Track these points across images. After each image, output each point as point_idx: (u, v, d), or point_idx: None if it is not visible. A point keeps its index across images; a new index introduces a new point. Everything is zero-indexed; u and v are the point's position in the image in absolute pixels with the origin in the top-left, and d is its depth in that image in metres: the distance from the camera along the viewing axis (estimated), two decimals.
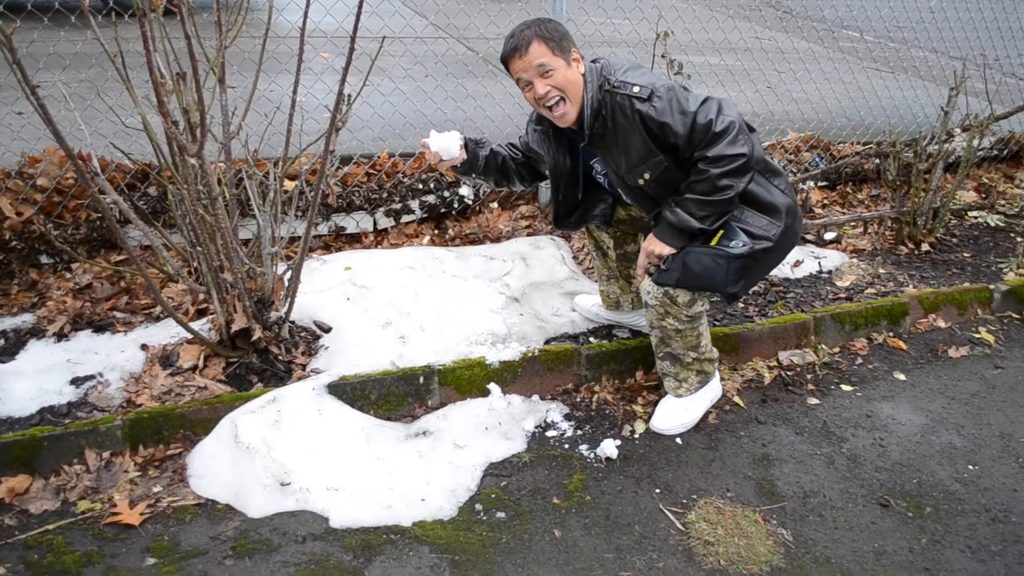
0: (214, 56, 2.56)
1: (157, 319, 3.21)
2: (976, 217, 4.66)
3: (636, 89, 2.53)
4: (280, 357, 2.96)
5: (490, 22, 4.88)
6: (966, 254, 4.27)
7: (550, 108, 2.62)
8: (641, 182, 2.65)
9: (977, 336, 3.68)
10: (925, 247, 4.23)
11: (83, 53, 3.75)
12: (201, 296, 3.12)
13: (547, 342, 3.19)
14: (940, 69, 7.20)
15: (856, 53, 8.36)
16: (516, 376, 2.98)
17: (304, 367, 2.96)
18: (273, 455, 2.51)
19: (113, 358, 2.94)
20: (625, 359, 3.12)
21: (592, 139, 2.65)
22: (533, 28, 2.54)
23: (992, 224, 4.62)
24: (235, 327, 2.81)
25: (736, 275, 2.63)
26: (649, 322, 2.86)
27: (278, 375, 2.90)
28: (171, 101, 2.42)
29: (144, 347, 2.99)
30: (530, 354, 3.01)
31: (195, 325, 3.10)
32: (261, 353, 2.93)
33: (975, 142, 4.15)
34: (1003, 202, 4.95)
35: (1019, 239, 4.47)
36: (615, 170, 2.70)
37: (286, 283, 2.95)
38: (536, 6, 4.69)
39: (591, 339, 3.24)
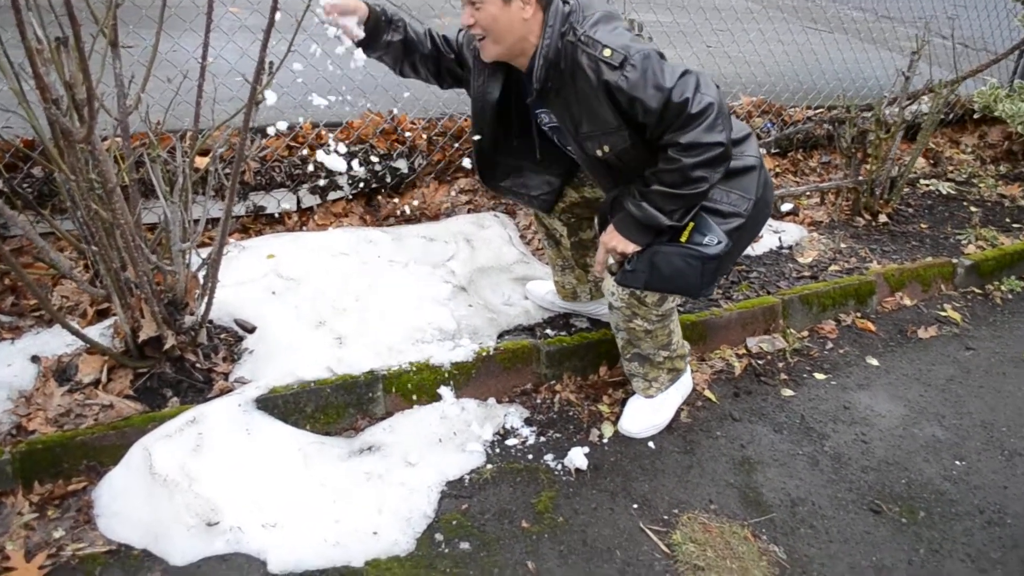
0: (104, 14, 2.12)
1: (51, 322, 2.75)
2: (928, 185, 4.52)
3: (607, 52, 2.14)
4: (198, 365, 2.56)
5: None
6: (923, 225, 4.12)
7: (474, 38, 2.30)
8: (599, 153, 2.32)
9: (943, 314, 3.53)
10: (883, 218, 4.06)
11: None
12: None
13: (500, 336, 2.87)
14: (869, 29, 7.07)
15: (790, 10, 8.17)
16: (470, 378, 2.66)
17: (227, 376, 2.57)
18: (196, 488, 2.13)
19: None
20: (587, 354, 2.83)
21: (543, 94, 2.29)
22: None
23: (944, 192, 4.48)
24: (143, 335, 2.40)
25: (711, 276, 2.34)
26: (614, 324, 2.57)
27: (196, 386, 2.51)
28: (51, 72, 1.98)
29: (36, 359, 2.54)
30: (484, 353, 2.69)
31: (95, 330, 2.67)
32: (175, 361, 2.53)
33: (936, 108, 3.97)
34: (951, 168, 4.82)
35: (972, 208, 4.34)
36: (571, 131, 2.35)
37: (201, 280, 2.54)
38: None
39: (548, 331, 2.94)
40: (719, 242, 2.29)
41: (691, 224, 2.30)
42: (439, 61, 2.59)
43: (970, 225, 4.11)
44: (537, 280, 3.13)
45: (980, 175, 4.75)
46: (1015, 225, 4.20)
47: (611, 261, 2.41)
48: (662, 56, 2.19)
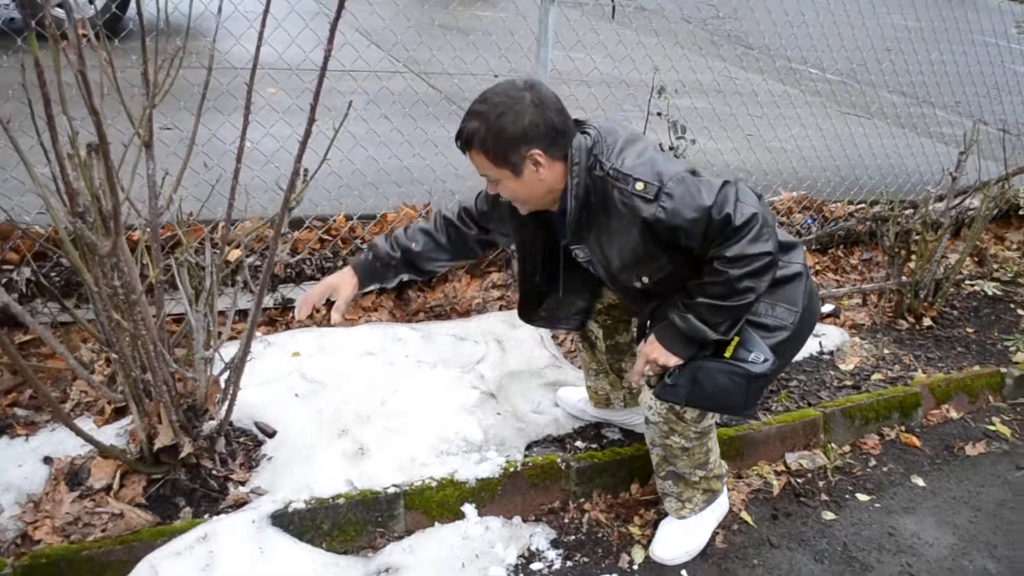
0: (140, 115, 2.09)
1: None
2: (973, 285, 4.38)
3: (639, 186, 2.05)
4: (214, 472, 2.47)
5: (455, 55, 4.47)
6: (969, 329, 3.97)
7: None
8: (638, 285, 2.24)
9: (992, 428, 3.37)
10: (927, 321, 3.92)
11: None
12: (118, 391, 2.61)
13: (528, 447, 2.76)
14: (909, 114, 7.00)
15: (825, 95, 8.14)
16: (495, 495, 2.54)
17: (243, 484, 2.48)
18: None
19: (9, 474, 2.42)
20: (619, 470, 2.71)
21: (578, 234, 2.23)
22: (476, 126, 2.06)
23: (990, 293, 4.33)
24: (159, 443, 2.32)
25: (756, 394, 2.23)
26: (650, 439, 2.45)
27: (211, 496, 2.42)
28: (79, 179, 1.94)
29: (48, 460, 2.47)
30: (511, 468, 2.57)
31: (112, 429, 2.60)
32: (191, 468, 2.44)
33: (986, 207, 3.85)
34: (996, 266, 4.68)
35: (1020, 311, 4.19)
36: (605, 266, 2.28)
37: (222, 384, 2.47)
38: (505, 39, 4.28)
39: (579, 443, 2.82)
40: (765, 360, 2.18)
41: (736, 339, 2.19)
42: (463, 242, 2.56)
43: (1018, 330, 3.95)
44: (568, 387, 3.02)
45: None
46: None
47: (650, 373, 2.31)
48: (695, 173, 2.11)
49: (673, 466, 2.45)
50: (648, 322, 2.36)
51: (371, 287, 2.57)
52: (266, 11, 2.17)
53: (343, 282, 2.50)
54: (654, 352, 2.23)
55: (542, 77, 3.44)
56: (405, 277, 2.60)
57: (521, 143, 2.05)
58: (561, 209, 2.20)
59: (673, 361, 2.21)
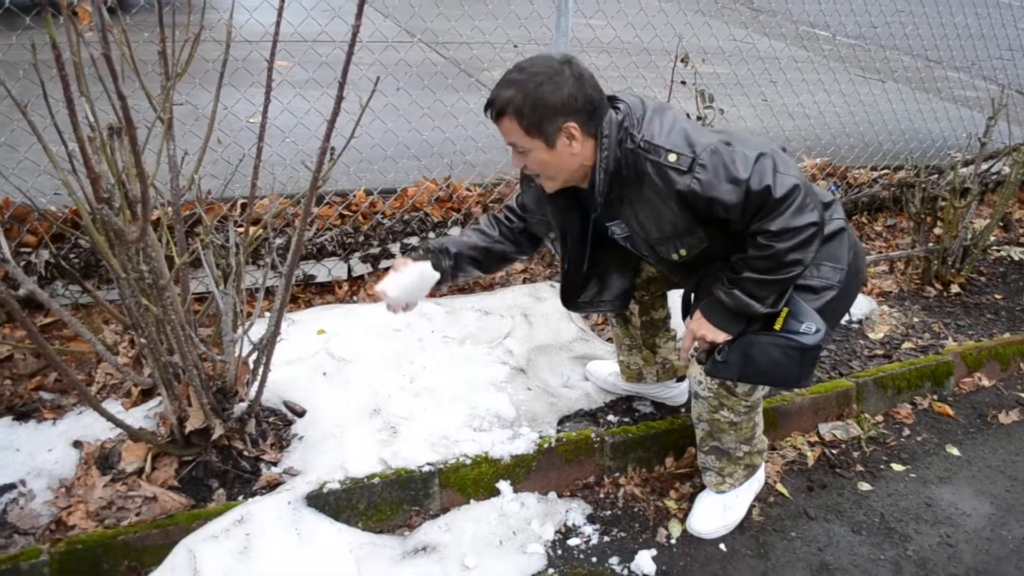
0: (158, 93, 2.03)
1: None
2: (999, 251, 4.32)
3: (672, 157, 1.99)
4: (245, 453, 2.44)
5: (474, 26, 4.37)
6: (997, 296, 3.92)
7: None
8: (675, 257, 2.18)
9: None
10: (955, 288, 3.86)
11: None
12: (146, 375, 2.58)
13: (561, 422, 2.73)
14: (922, 78, 6.87)
15: (837, 57, 8.01)
16: (530, 471, 2.51)
17: (275, 464, 2.45)
18: None
19: (39, 459, 2.39)
20: (653, 444, 2.67)
21: (608, 205, 2.17)
22: (512, 94, 2.00)
23: (1016, 258, 4.27)
24: (190, 426, 2.29)
25: (810, 366, 2.18)
26: (696, 414, 2.41)
27: (243, 477, 2.39)
28: (102, 162, 1.89)
29: (77, 444, 2.44)
30: (545, 444, 2.54)
31: (140, 411, 2.57)
32: (222, 450, 2.41)
33: (1016, 172, 3.78)
34: (1022, 230, 4.61)
35: None
36: (643, 237, 2.21)
37: (251, 366, 2.43)
38: (524, 8, 4.17)
39: (611, 416, 2.78)
40: (817, 330, 2.12)
41: (785, 309, 2.13)
42: (516, 238, 2.52)
43: None
44: (597, 360, 2.98)
45: None
46: None
47: (699, 349, 2.26)
48: (729, 144, 2.02)
49: (718, 441, 2.41)
50: (692, 297, 2.31)
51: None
52: None
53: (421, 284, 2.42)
54: (702, 329, 2.18)
55: (561, 46, 3.37)
56: (466, 276, 2.53)
57: (559, 114, 2.00)
58: (590, 183, 2.14)
59: (722, 337, 2.16)
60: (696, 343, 2.23)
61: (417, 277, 2.34)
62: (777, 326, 2.14)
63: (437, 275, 2.38)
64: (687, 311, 2.33)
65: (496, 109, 2.05)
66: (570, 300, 2.57)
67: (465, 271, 2.48)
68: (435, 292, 2.78)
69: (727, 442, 2.40)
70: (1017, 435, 3.11)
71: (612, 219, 2.28)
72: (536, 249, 2.63)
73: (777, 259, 2.01)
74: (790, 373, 2.16)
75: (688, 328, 2.25)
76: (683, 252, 2.15)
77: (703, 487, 2.59)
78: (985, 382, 3.36)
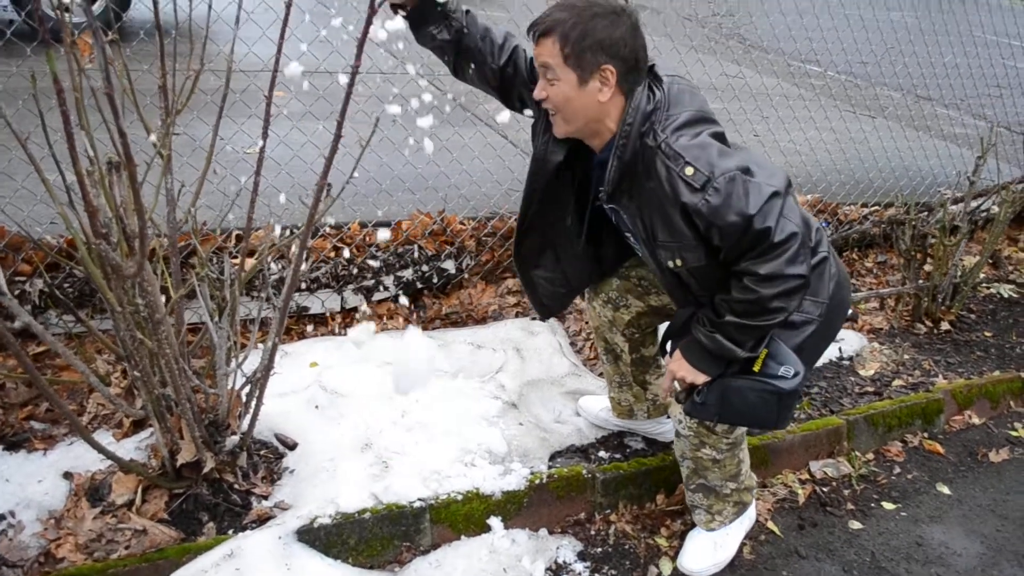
0: (159, 132, 2.05)
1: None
2: (989, 288, 4.35)
3: (689, 171, 1.94)
4: (236, 486, 2.44)
5: None
6: (987, 333, 3.94)
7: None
8: (671, 265, 2.11)
9: (1015, 434, 3.34)
10: (945, 326, 3.89)
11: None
12: (139, 407, 2.57)
13: (552, 457, 2.73)
14: (911, 113, 6.94)
15: (828, 93, 8.11)
16: (521, 507, 2.51)
17: (266, 498, 2.44)
18: None
19: (28, 490, 2.38)
20: (644, 481, 2.67)
21: (615, 197, 2.12)
22: (565, 16, 1.95)
23: (1006, 295, 4.31)
24: (181, 459, 2.28)
25: (788, 409, 2.18)
26: (680, 452, 2.42)
27: (234, 510, 2.38)
28: (100, 196, 1.90)
29: (67, 475, 2.43)
30: (536, 480, 2.54)
31: (131, 442, 2.56)
32: (213, 483, 2.41)
33: (1005, 210, 3.82)
34: (1011, 267, 4.65)
35: None
36: (645, 236, 2.13)
37: (243, 398, 2.43)
38: (521, 41, 4.21)
39: (602, 452, 2.78)
40: (796, 373, 2.11)
41: (764, 351, 2.13)
42: (511, 81, 2.33)
43: None
44: (589, 396, 2.98)
45: None
46: None
47: (678, 389, 2.27)
48: (749, 172, 1.96)
49: (704, 479, 2.42)
50: (670, 339, 2.30)
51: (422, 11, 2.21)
52: (285, 21, 2.14)
53: None
54: (681, 370, 2.18)
55: None
56: (435, 51, 2.32)
57: (603, 52, 1.95)
58: (600, 161, 2.10)
59: (701, 379, 2.15)
60: (676, 383, 2.24)
61: None
62: (756, 367, 2.13)
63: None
64: (665, 349, 2.33)
65: (543, 28, 1.98)
66: (519, 257, 2.52)
67: (436, 34, 2.24)
68: (415, 315, 2.76)
69: (712, 479, 2.40)
70: (1007, 474, 3.12)
71: (614, 203, 2.19)
72: (508, 104, 2.42)
73: (760, 304, 2.00)
74: (767, 416, 2.15)
75: (668, 368, 2.25)
76: (678, 262, 2.09)
77: (694, 525, 2.59)
78: (975, 420, 3.38)
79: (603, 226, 2.41)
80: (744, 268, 1.99)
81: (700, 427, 2.29)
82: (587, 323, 3.42)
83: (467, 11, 2.27)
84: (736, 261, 2.00)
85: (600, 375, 3.17)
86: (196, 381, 2.24)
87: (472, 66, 2.32)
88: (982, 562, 2.66)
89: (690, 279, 2.14)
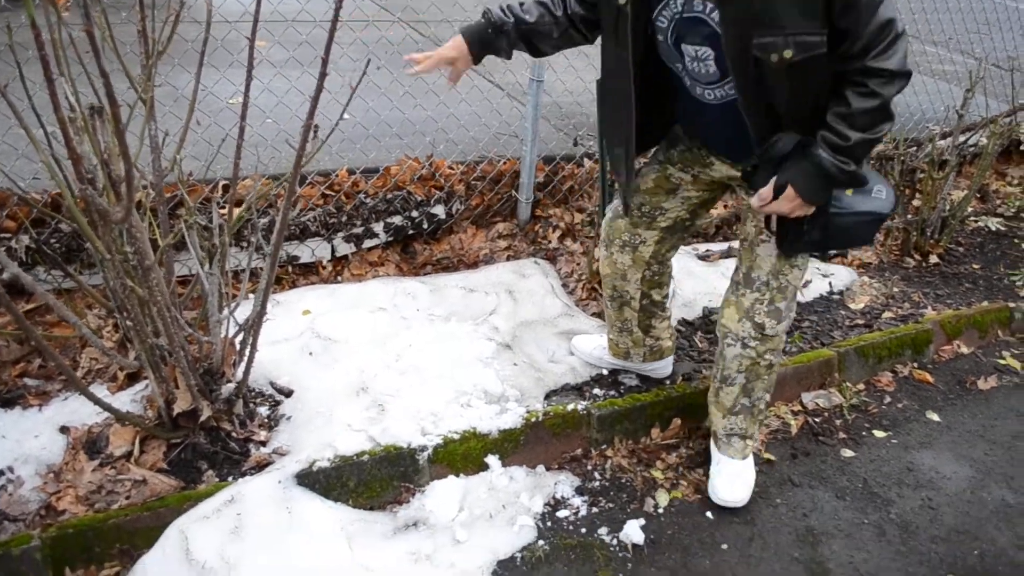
0: (140, 77, 2.02)
1: None
2: (977, 221, 4.37)
3: None
4: (234, 434, 2.45)
5: (454, 3, 4.35)
6: (975, 265, 3.97)
7: None
8: (774, 59, 1.80)
9: (1003, 362, 3.38)
10: (934, 259, 3.91)
11: None
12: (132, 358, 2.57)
13: (547, 396, 2.75)
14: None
15: None
16: (518, 445, 2.53)
17: (264, 444, 2.45)
18: None
19: (26, 445, 2.38)
20: (639, 416, 2.70)
21: None
22: None
23: (994, 229, 4.33)
24: (178, 408, 2.29)
25: (879, 225, 2.10)
26: (734, 369, 2.40)
27: (232, 458, 2.39)
28: (84, 142, 1.88)
29: (64, 429, 2.44)
30: (533, 419, 2.56)
31: (127, 395, 2.56)
32: (210, 431, 2.42)
33: (993, 143, 3.82)
34: (998, 201, 4.67)
35: None
36: (736, 32, 1.82)
37: (238, 347, 2.43)
38: None
39: (596, 390, 2.80)
40: (885, 193, 2.01)
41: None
42: (572, 21, 2.27)
43: None
44: (582, 335, 2.99)
45: None
46: None
47: (772, 232, 2.13)
48: None
49: (748, 397, 2.43)
50: (756, 168, 2.03)
51: (485, 56, 2.32)
52: None
53: (458, 53, 2.28)
54: (790, 205, 1.95)
55: None
56: (511, 54, 2.35)
57: None
58: None
59: (809, 211, 1.98)
60: (770, 223, 2.08)
61: (440, 58, 2.31)
62: (849, 192, 1.99)
63: (463, 45, 2.28)
64: (753, 182, 2.06)
65: None
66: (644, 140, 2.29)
67: (504, 46, 2.30)
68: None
69: (758, 391, 2.43)
70: (995, 400, 3.16)
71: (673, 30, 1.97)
72: (590, 36, 2.33)
73: (884, 111, 1.82)
74: (868, 237, 2.10)
75: (767, 207, 2.00)
76: (789, 54, 1.80)
77: (689, 457, 2.63)
78: (964, 349, 3.41)
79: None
80: (869, 67, 1.81)
81: (759, 332, 2.31)
82: (578, 265, 3.42)
83: (507, 6, 2.29)
84: (860, 56, 1.81)
85: (593, 315, 3.19)
86: (189, 330, 2.23)
87: (540, 44, 2.33)
88: (971, 484, 2.71)
89: (783, 86, 1.87)
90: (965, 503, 2.63)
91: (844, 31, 1.79)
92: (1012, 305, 3.58)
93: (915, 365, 3.27)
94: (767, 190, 1.98)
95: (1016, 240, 4.26)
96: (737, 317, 2.33)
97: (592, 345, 2.92)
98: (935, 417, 3.02)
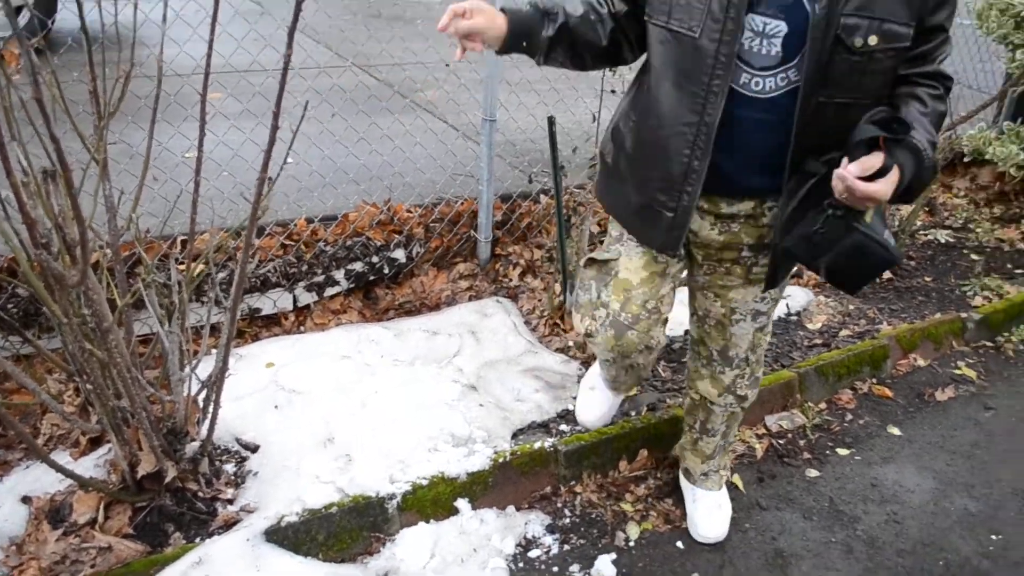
0: (92, 138, 2.03)
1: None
2: (926, 234, 4.47)
3: None
4: (200, 494, 2.43)
5: (405, 48, 4.41)
6: (927, 278, 4.06)
7: None
8: (858, 43, 1.66)
9: (959, 372, 3.46)
10: (887, 274, 3.99)
11: None
12: (94, 422, 2.55)
13: (514, 435, 2.76)
14: None
15: None
16: (487, 487, 2.54)
17: (231, 503, 2.44)
18: None
19: None
20: (606, 450, 2.72)
21: None
22: None
23: (943, 241, 4.43)
24: (142, 470, 2.27)
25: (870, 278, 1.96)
26: (716, 423, 2.42)
27: (199, 518, 2.38)
28: (38, 207, 1.88)
29: (26, 499, 2.40)
30: (501, 459, 2.57)
31: (90, 460, 2.54)
32: (176, 492, 2.40)
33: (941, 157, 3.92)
34: (946, 213, 4.79)
35: (973, 256, 4.29)
36: (824, 11, 1.66)
37: (201, 403, 2.42)
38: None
39: (563, 426, 2.82)
40: (894, 242, 1.82)
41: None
42: (618, 25, 1.97)
43: (973, 275, 4.06)
44: (585, 406, 2.73)
45: (976, 219, 4.72)
46: (1017, 271, 4.15)
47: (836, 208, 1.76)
48: None
49: (725, 439, 2.47)
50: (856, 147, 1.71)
51: (516, 47, 1.92)
52: (214, 18, 2.11)
53: (489, 25, 1.85)
54: (887, 188, 1.64)
55: (492, 64, 3.41)
56: (549, 57, 1.98)
57: None
58: None
59: (882, 201, 1.70)
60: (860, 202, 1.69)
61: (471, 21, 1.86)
62: (868, 217, 1.76)
63: (500, 16, 1.88)
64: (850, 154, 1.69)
65: None
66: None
67: (557, 43, 1.95)
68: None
69: (733, 431, 2.47)
70: (953, 411, 3.23)
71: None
72: (632, 53, 2.04)
73: (944, 119, 1.78)
74: (872, 272, 1.87)
75: (864, 188, 1.62)
76: (874, 40, 1.67)
77: (658, 487, 2.65)
78: (920, 362, 3.49)
79: None
80: (940, 71, 1.77)
81: (745, 400, 2.35)
82: (539, 301, 3.45)
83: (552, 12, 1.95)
84: (935, 58, 1.76)
85: (557, 350, 3.21)
86: (151, 390, 2.22)
87: (600, 34, 1.97)
88: (934, 496, 2.76)
89: (852, 78, 1.71)
90: (929, 515, 2.68)
91: (931, 28, 1.72)
92: (964, 315, 3.67)
93: (874, 381, 3.34)
94: (867, 161, 1.63)
95: (965, 251, 4.37)
96: (717, 392, 2.33)
97: (598, 413, 2.70)
98: (896, 431, 3.08)
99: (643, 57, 2.02)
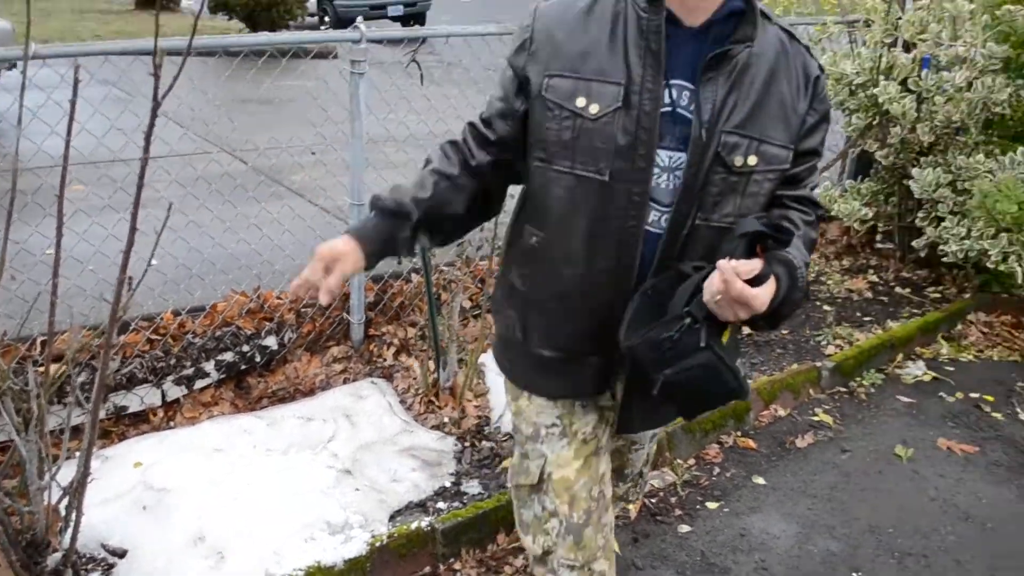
0: None
1: None
2: None
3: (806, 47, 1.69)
4: None
5: (271, 137, 4.46)
6: (784, 331, 4.31)
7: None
8: (739, 163, 1.60)
9: (816, 419, 3.67)
10: (746, 329, 4.21)
11: None
12: None
13: (392, 517, 2.77)
14: None
15: None
16: (365, 573, 2.54)
17: None
18: None
19: None
20: (483, 524, 2.76)
21: (718, 64, 1.57)
22: None
23: None
24: None
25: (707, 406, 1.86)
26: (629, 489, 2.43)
27: None
28: None
29: None
30: (378, 543, 2.58)
31: None
32: None
33: None
34: None
35: (826, 307, 4.59)
36: (707, 125, 1.58)
37: (62, 511, 2.35)
38: (315, 111, 4.28)
39: (440, 504, 2.85)
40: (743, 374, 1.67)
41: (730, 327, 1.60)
42: (479, 171, 1.77)
43: (826, 325, 4.33)
44: None
45: (827, 272, 5.05)
46: (866, 319, 4.46)
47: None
48: None
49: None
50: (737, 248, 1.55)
51: (382, 258, 1.76)
52: (72, 116, 2.11)
53: (346, 256, 1.66)
54: (764, 298, 1.46)
55: (357, 149, 3.50)
56: (414, 250, 1.82)
57: None
58: (708, 22, 1.58)
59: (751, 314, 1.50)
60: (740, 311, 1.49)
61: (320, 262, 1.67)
62: (725, 338, 1.59)
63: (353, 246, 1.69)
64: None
65: None
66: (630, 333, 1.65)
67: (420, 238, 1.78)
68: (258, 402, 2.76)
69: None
70: (813, 455, 3.42)
71: (685, 81, 1.62)
72: (502, 186, 1.88)
73: (815, 241, 1.74)
74: (719, 400, 1.74)
75: (739, 291, 1.42)
76: (753, 161, 1.61)
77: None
78: (781, 412, 3.69)
79: None
80: (812, 197, 1.74)
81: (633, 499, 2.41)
82: (415, 380, 3.49)
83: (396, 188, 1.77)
84: (806, 183, 1.73)
85: (432, 427, 3.25)
86: (8, 502, 2.15)
87: (460, 198, 1.78)
88: (798, 540, 2.91)
89: (724, 199, 1.63)
90: (794, 559, 2.83)
91: (805, 152, 1.69)
92: (819, 364, 3.91)
93: (739, 433, 3.51)
94: (748, 264, 1.46)
95: (818, 303, 4.66)
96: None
97: None
98: (761, 480, 3.24)
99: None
